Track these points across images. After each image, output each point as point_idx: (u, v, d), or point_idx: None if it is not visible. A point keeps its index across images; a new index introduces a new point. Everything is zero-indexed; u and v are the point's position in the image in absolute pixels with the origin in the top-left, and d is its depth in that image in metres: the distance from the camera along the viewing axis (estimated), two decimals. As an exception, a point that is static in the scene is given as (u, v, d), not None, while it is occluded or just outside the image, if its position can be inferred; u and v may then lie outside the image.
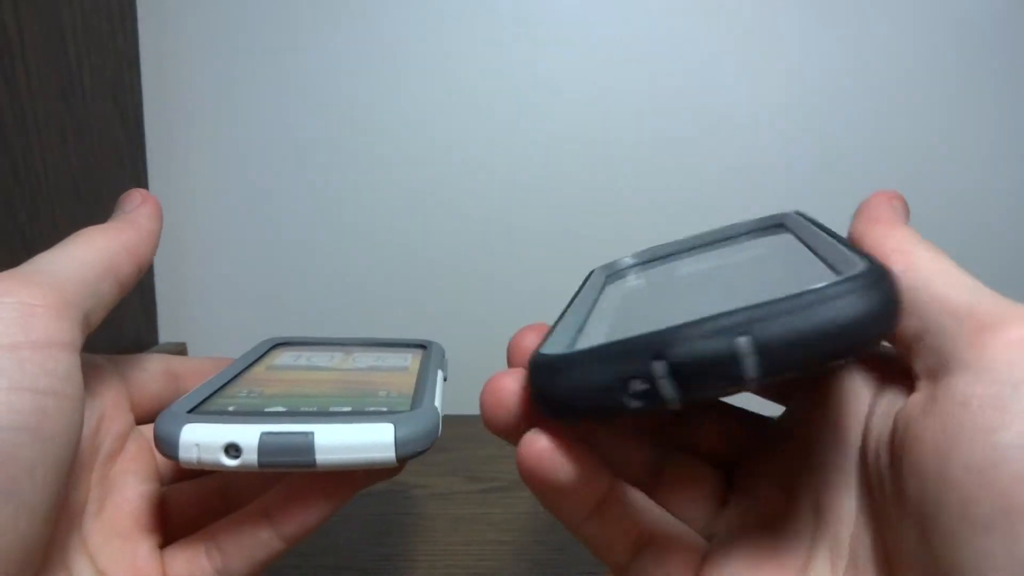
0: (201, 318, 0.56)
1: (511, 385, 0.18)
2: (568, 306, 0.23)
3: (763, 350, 0.13)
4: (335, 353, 0.29)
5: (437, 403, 0.22)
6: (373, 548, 0.36)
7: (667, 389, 0.14)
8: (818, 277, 0.15)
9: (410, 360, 0.29)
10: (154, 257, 0.23)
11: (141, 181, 0.52)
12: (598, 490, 0.18)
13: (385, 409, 0.21)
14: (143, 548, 0.22)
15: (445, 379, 0.27)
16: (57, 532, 0.20)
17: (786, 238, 0.24)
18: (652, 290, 0.24)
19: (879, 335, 0.14)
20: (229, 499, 0.25)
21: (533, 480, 0.17)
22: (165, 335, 0.55)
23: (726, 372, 0.14)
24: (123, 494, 0.23)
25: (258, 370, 0.26)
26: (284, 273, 0.56)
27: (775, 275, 0.21)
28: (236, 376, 0.25)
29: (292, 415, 0.20)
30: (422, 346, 0.31)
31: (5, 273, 0.19)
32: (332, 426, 0.19)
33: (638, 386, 0.14)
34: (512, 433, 0.19)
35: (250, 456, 0.18)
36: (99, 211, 0.47)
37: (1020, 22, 0.51)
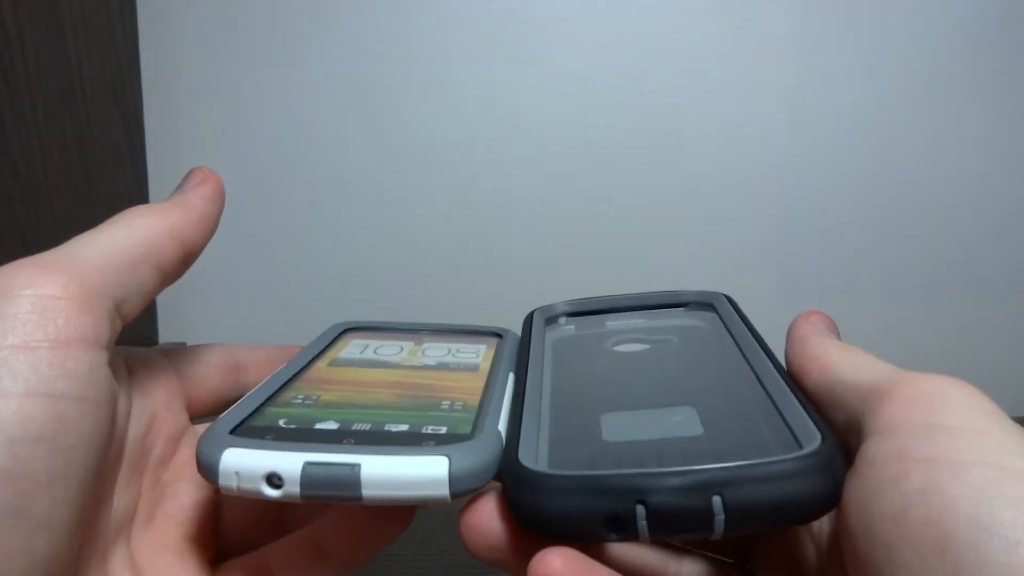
0: (201, 318, 0.56)
1: (491, 514, 0.18)
2: (520, 367, 0.24)
3: (732, 511, 0.16)
4: (405, 342, 0.28)
5: (502, 425, 0.20)
6: (373, 548, 0.36)
7: (642, 529, 0.16)
8: (764, 425, 0.19)
9: (482, 354, 0.26)
10: (206, 243, 0.21)
11: (141, 181, 0.52)
12: None
13: (444, 430, 0.19)
14: (194, 566, 0.20)
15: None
16: (97, 544, 0.18)
17: (715, 323, 0.26)
18: (592, 358, 0.26)
19: (832, 507, 0.16)
20: (287, 512, 0.23)
21: None
22: (165, 335, 0.55)
23: (697, 524, 0.16)
24: (176, 502, 0.21)
25: (320, 366, 0.25)
26: (284, 273, 0.56)
27: (710, 381, 0.23)
28: (295, 376, 0.23)
29: (341, 436, 0.19)
30: (497, 335, 0.29)
31: (26, 260, 0.17)
32: (381, 458, 0.17)
33: (616, 521, 0.16)
34: (503, 561, 0.18)
35: (292, 488, 0.17)
36: (99, 211, 0.46)
37: (1021, 25, 0.51)
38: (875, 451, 0.16)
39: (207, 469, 0.18)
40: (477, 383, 0.23)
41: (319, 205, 0.55)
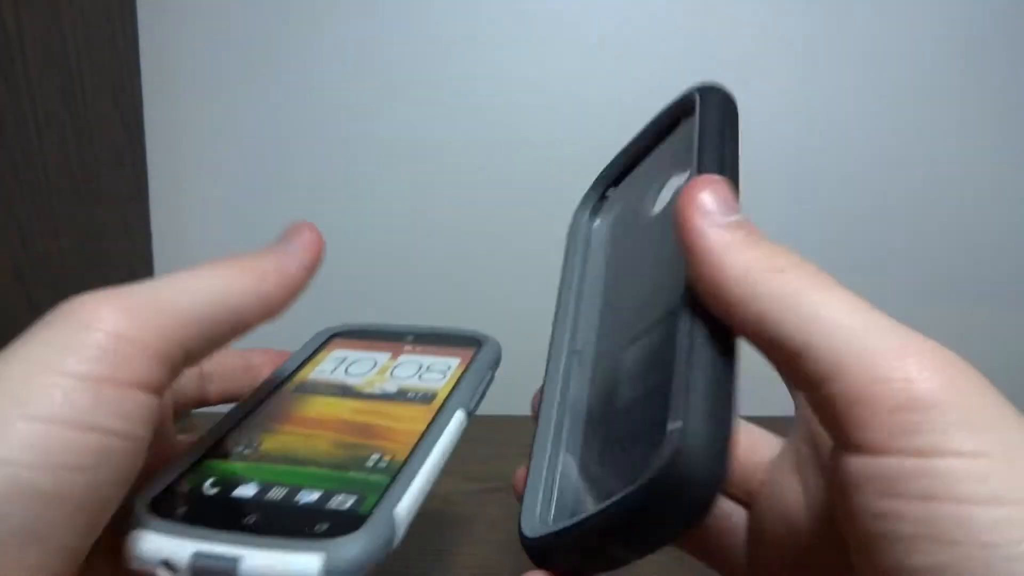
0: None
1: None
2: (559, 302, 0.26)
3: (632, 548, 0.16)
4: (381, 354, 0.28)
5: (402, 507, 0.20)
6: (372, 548, 0.36)
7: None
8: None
9: (450, 373, 0.26)
10: (287, 309, 0.21)
11: (141, 181, 0.52)
12: None
13: (348, 504, 0.20)
14: None
15: (470, 414, 0.25)
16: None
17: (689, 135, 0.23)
18: (631, 243, 0.26)
19: (713, 500, 0.15)
20: None
21: None
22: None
23: (629, 559, 0.17)
24: None
25: (287, 390, 0.26)
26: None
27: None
28: (251, 411, 0.24)
29: (245, 513, 0.20)
30: (477, 342, 0.28)
31: (105, 293, 0.17)
32: (260, 552, 0.18)
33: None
34: None
35: (185, 575, 0.18)
36: (99, 211, 0.47)
37: (1021, 25, 0.51)
38: (862, 474, 0.15)
39: (123, 549, 0.19)
40: (420, 425, 0.23)
41: (321, 205, 0.55)
